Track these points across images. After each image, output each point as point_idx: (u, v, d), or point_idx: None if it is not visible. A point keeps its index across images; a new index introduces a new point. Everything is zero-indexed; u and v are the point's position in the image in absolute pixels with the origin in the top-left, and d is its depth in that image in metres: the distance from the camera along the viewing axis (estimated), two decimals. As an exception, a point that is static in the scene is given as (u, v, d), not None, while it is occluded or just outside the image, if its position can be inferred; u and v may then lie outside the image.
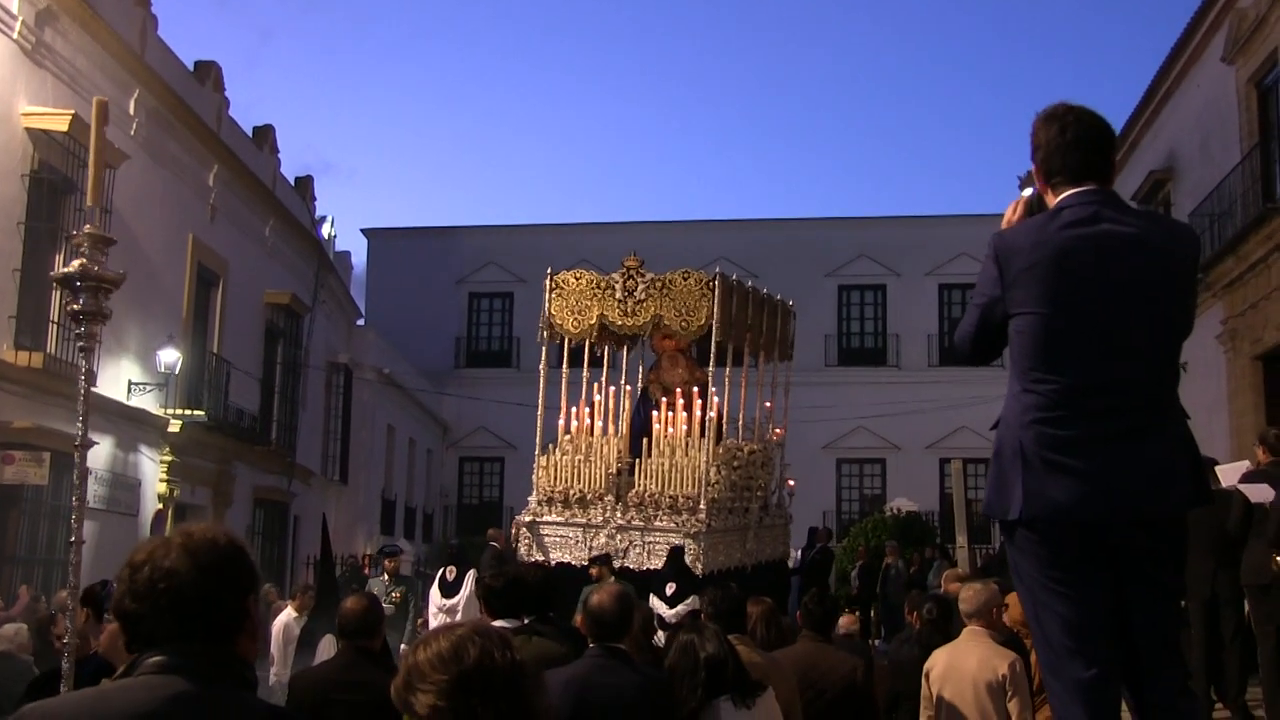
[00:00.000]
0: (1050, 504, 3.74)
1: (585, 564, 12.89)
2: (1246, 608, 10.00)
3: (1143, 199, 24.30)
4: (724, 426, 14.46)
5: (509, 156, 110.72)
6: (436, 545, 35.52)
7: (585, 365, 14.93)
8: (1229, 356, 20.26)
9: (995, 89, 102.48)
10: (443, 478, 41.60)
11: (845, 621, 11.36)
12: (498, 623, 6.28)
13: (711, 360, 13.66)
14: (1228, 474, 10.73)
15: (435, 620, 13.83)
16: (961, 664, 6.68)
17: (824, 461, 38.61)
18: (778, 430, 15.88)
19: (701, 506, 12.99)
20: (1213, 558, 9.84)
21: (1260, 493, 9.53)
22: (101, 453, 18.52)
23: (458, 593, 13.99)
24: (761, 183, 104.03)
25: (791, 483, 16.91)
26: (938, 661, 6.83)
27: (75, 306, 5.54)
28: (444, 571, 14.52)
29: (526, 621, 6.83)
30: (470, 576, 14.30)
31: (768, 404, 15.61)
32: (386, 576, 15.09)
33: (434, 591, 14.38)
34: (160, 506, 20.71)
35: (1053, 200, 4.00)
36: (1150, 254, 3.80)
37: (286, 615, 14.43)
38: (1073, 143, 3.96)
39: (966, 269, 39.02)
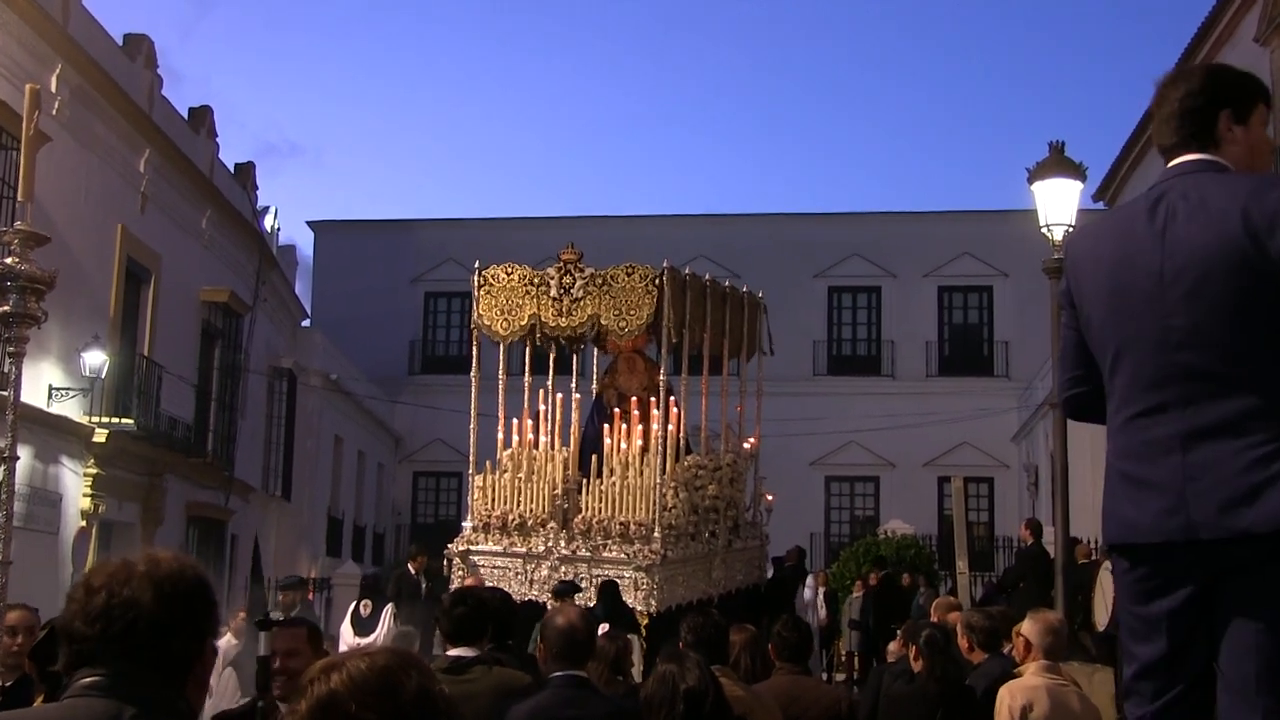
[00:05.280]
0: (1123, 523, 3.66)
1: (526, 598, 12.53)
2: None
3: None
4: (682, 441, 14.04)
5: (473, 144, 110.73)
6: (388, 568, 35.38)
7: (527, 370, 14.59)
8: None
9: (1002, 74, 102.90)
10: (395, 494, 41.50)
11: (895, 647, 11.24)
12: (455, 650, 6.25)
13: (662, 365, 13.40)
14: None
15: None
16: (1069, 704, 6.69)
17: (812, 479, 38.67)
18: (750, 440, 15.59)
19: (656, 535, 12.65)
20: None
21: None
22: (18, 465, 18.30)
23: (374, 630, 13.57)
24: (745, 175, 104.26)
25: (769, 497, 16.64)
26: (1035, 701, 6.68)
27: (5, 308, 5.52)
28: (357, 606, 14.17)
29: (487, 649, 6.80)
30: (388, 611, 13.99)
31: (738, 408, 15.35)
32: (281, 613, 14.75)
33: (345, 628, 13.98)
34: (84, 524, 20.54)
35: None
36: (1213, 221, 3.60)
37: (226, 641, 14.22)
38: (1163, 119, 3.90)
39: (969, 270, 39.20)
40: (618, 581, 12.16)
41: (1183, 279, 3.60)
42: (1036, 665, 6.86)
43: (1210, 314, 3.57)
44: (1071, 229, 13.39)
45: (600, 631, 10.97)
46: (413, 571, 16.44)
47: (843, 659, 23.74)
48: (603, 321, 13.24)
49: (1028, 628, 7.08)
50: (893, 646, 11.82)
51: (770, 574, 19.76)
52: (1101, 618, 15.04)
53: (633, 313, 13.11)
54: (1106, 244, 3.80)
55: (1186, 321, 3.59)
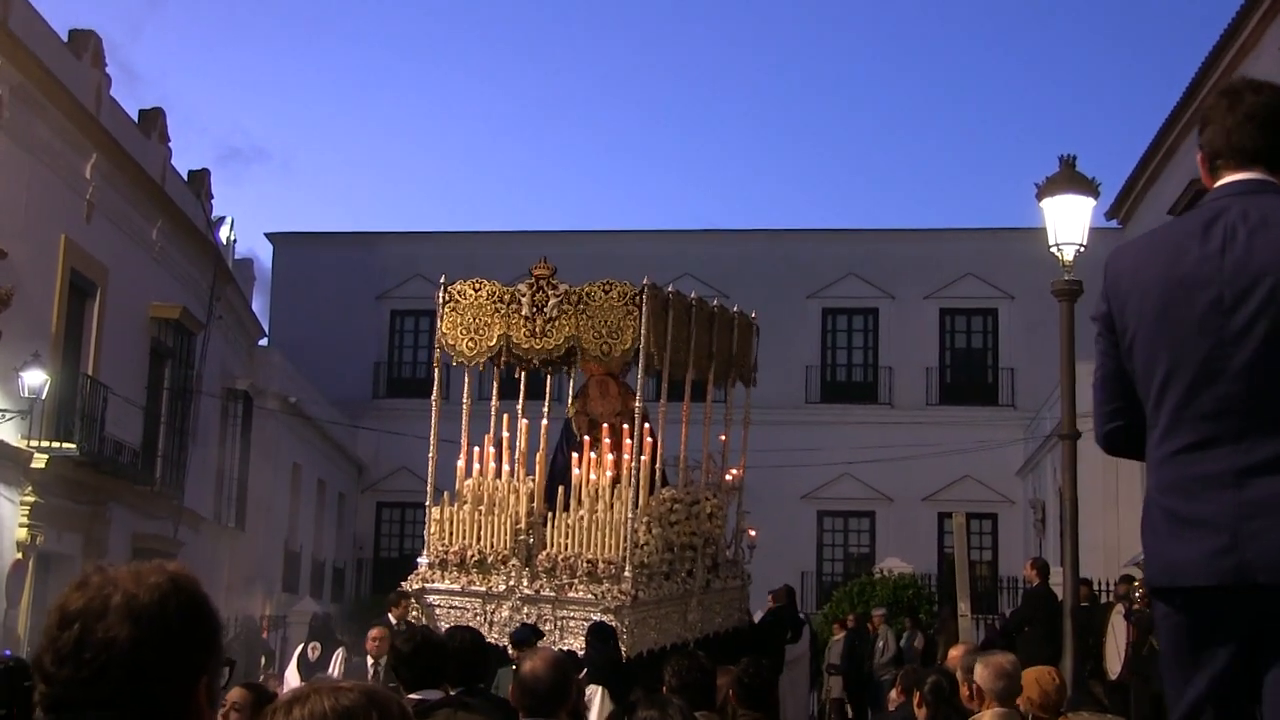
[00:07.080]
0: (1169, 565, 3.58)
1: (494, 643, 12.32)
2: None
3: (1181, 212, 24.38)
4: (658, 472, 13.86)
5: (445, 152, 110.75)
6: (348, 605, 35.17)
7: (495, 395, 14.42)
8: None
9: (1009, 88, 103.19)
10: (357, 526, 41.35)
11: (895, 695, 11.23)
12: (416, 695, 6.18)
13: (639, 390, 13.26)
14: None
15: None
16: None
17: (803, 513, 38.64)
18: (733, 471, 15.48)
19: (626, 574, 12.46)
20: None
21: None
22: (-51, 491, 18.24)
23: (323, 673, 13.41)
24: (735, 189, 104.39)
25: (752, 533, 16.49)
26: None
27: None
28: (305, 648, 13.99)
29: (452, 693, 6.73)
30: (339, 655, 13.79)
31: (721, 437, 15.23)
32: None
33: (291, 672, 13.80)
34: (19, 556, 20.38)
35: None
36: (1277, 242, 3.56)
37: None
38: (1244, 117, 3.78)
39: (972, 291, 39.24)
40: (605, 624, 11.91)
41: (1244, 305, 3.53)
42: (991, 713, 6.83)
43: (1272, 343, 3.51)
44: (1083, 248, 13.33)
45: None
46: (394, 623, 15.52)
47: (830, 705, 23.60)
48: (583, 345, 13.03)
49: (979, 673, 7.04)
50: (892, 695, 11.78)
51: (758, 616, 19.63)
52: (1114, 665, 14.97)
53: (614, 336, 12.90)
54: (1154, 265, 3.71)
55: (1246, 350, 3.52)
